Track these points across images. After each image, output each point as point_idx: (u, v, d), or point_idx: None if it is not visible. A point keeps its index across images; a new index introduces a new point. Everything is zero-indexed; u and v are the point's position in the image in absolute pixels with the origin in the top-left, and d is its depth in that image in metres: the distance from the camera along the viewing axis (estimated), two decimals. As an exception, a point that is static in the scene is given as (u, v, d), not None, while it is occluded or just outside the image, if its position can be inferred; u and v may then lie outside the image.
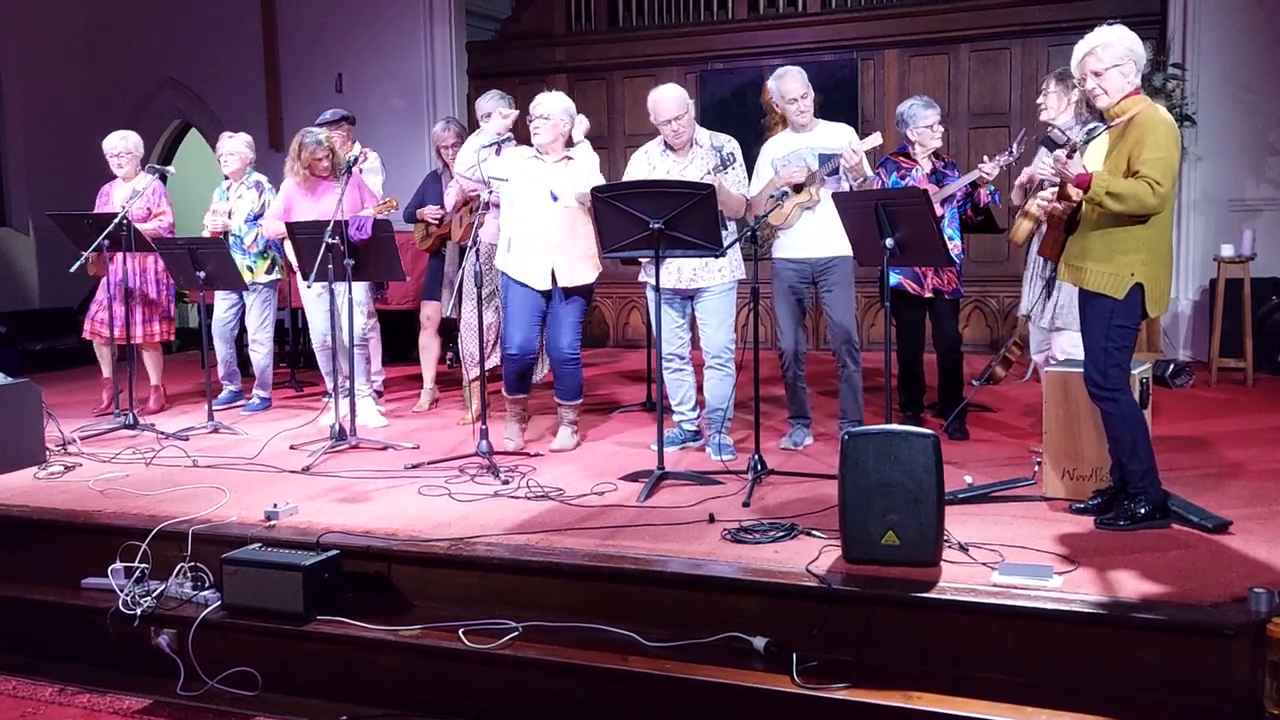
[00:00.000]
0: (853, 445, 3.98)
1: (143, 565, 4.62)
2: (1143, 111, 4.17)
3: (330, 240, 5.89)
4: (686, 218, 4.98)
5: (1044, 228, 5.34)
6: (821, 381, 6.82)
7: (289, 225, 6.42)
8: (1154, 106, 4.24)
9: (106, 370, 7.36)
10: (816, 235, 5.69)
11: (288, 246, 6.58)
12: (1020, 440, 5.90)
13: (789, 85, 5.71)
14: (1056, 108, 5.39)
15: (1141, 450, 4.28)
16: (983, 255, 9.05)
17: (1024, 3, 9.22)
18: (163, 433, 6.47)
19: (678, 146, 5.75)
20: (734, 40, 10.10)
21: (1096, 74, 4.22)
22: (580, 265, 5.86)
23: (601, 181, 5.74)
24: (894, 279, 5.91)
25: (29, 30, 11.24)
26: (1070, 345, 5.33)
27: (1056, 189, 4.37)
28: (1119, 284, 4.19)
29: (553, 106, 5.80)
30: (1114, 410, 4.28)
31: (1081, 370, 4.46)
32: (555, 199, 5.79)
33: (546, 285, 5.84)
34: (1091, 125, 5.24)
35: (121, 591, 4.51)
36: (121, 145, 7.31)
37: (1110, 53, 4.19)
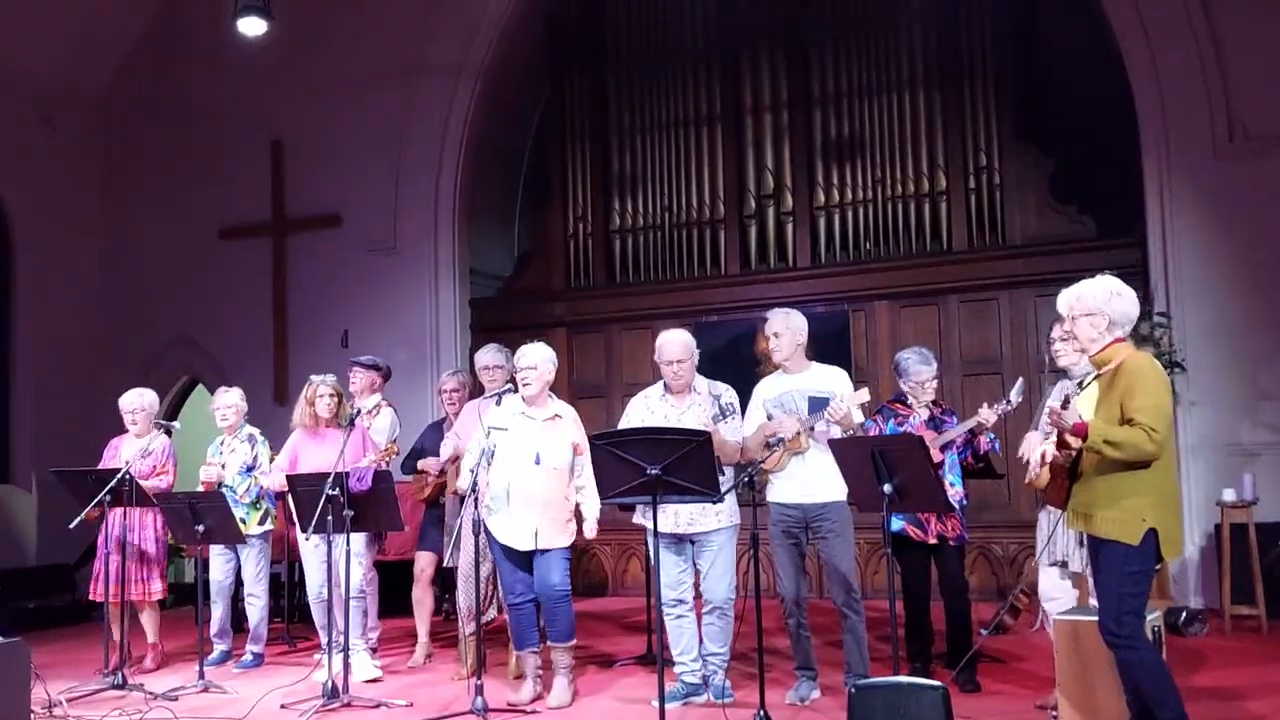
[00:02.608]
0: (860, 700, 3.88)
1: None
2: (1129, 359, 4.24)
3: (330, 492, 5.90)
4: (684, 463, 4.98)
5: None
6: (827, 632, 6.68)
7: (289, 479, 6.44)
8: (1139, 353, 4.30)
9: (116, 631, 6.98)
10: (808, 481, 5.70)
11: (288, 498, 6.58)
12: (1034, 692, 5.72)
13: (768, 325, 5.93)
14: (1076, 354, 5.26)
15: (1170, 699, 4.11)
16: (984, 501, 9.03)
17: (1009, 256, 9.54)
18: (151, 693, 6.28)
19: (677, 390, 5.87)
20: (728, 294, 10.40)
21: (1072, 319, 4.34)
22: (560, 528, 5.83)
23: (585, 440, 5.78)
24: (896, 524, 5.87)
25: (41, 288, 11.58)
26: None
27: (1056, 439, 4.36)
28: (1132, 530, 4.13)
29: (537, 356, 5.90)
30: (1133, 659, 4.14)
31: (1090, 619, 4.37)
32: (538, 462, 5.81)
33: (529, 546, 5.79)
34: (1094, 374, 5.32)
35: None
36: (138, 402, 7.43)
37: (1083, 304, 4.30)
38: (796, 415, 5.73)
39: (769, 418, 5.83)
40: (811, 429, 5.68)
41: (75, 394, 11.44)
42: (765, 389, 5.97)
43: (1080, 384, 4.79)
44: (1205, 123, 8.79)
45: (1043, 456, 5.27)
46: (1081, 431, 4.14)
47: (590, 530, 5.95)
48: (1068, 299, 4.37)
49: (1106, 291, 4.30)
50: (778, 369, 5.98)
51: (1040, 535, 5.62)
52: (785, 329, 5.87)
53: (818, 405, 5.67)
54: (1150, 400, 4.11)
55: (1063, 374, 5.49)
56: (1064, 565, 5.44)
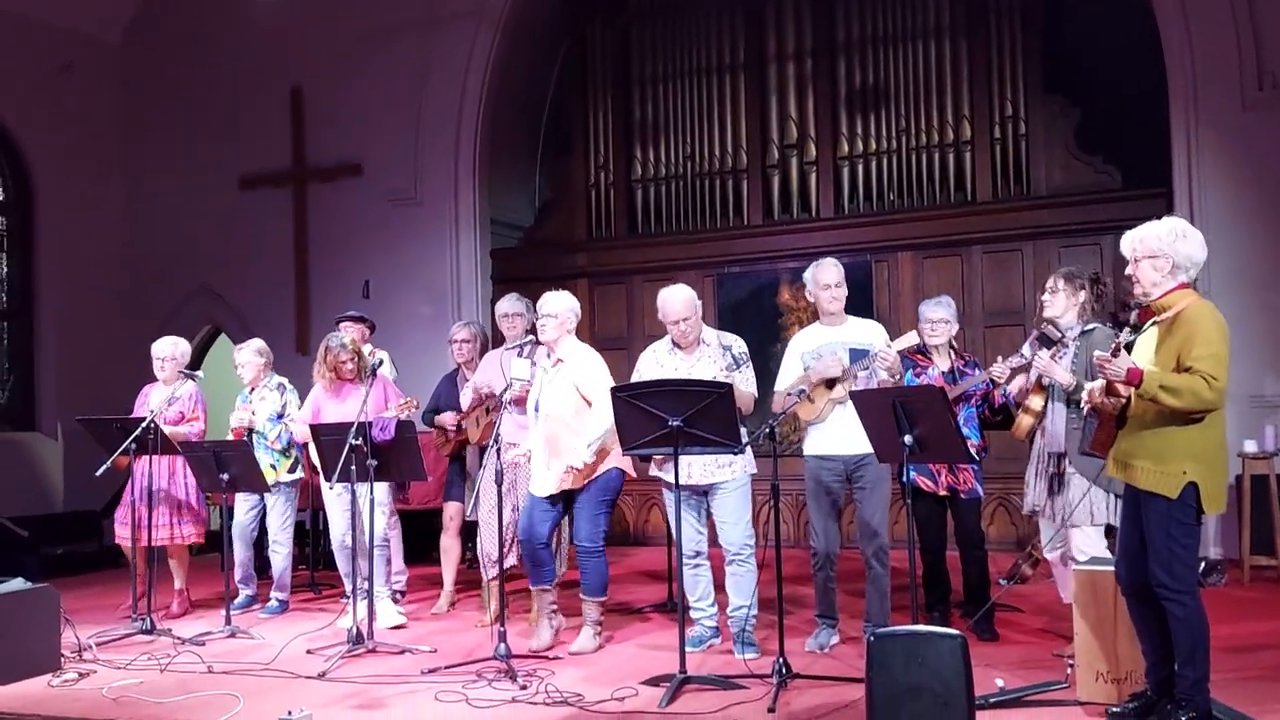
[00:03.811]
0: (879, 647, 3.90)
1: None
2: (1190, 306, 4.13)
3: (354, 441, 5.95)
4: (705, 415, 5.00)
5: (1047, 422, 5.37)
6: (848, 581, 6.71)
7: (313, 428, 6.50)
8: (1201, 300, 4.19)
9: (141, 577, 6.99)
10: (850, 431, 5.60)
11: (311, 448, 6.64)
12: (1052, 642, 5.75)
13: (825, 273, 5.84)
14: (1064, 306, 5.42)
15: (1199, 658, 4.09)
16: (1005, 452, 8.98)
17: (1034, 206, 9.45)
18: (179, 638, 6.39)
19: (685, 345, 5.86)
20: (750, 245, 10.36)
21: (1135, 260, 4.23)
22: (560, 476, 5.83)
23: (598, 380, 5.81)
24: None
25: (64, 238, 11.63)
26: (1084, 542, 5.26)
27: (1104, 385, 4.25)
28: (1172, 483, 4.07)
29: (559, 305, 5.93)
30: (1180, 614, 4.08)
31: (1108, 569, 4.38)
32: (537, 410, 5.89)
33: (543, 492, 5.89)
34: (1091, 327, 5.32)
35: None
36: (169, 350, 7.48)
37: (1145, 245, 4.20)
38: (837, 357, 5.70)
39: (806, 369, 5.81)
40: (855, 377, 5.67)
41: (98, 343, 11.54)
42: (803, 341, 5.94)
43: (1054, 341, 4.80)
44: (1234, 72, 8.65)
45: (1023, 399, 5.33)
46: (1136, 378, 4.02)
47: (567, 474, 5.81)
48: (1130, 240, 4.25)
49: (1171, 233, 4.18)
50: (802, 325, 5.95)
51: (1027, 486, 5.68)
52: (843, 280, 5.85)
53: (858, 357, 5.66)
54: (1209, 349, 4.00)
55: (1052, 324, 5.48)
56: (1036, 514, 5.52)
